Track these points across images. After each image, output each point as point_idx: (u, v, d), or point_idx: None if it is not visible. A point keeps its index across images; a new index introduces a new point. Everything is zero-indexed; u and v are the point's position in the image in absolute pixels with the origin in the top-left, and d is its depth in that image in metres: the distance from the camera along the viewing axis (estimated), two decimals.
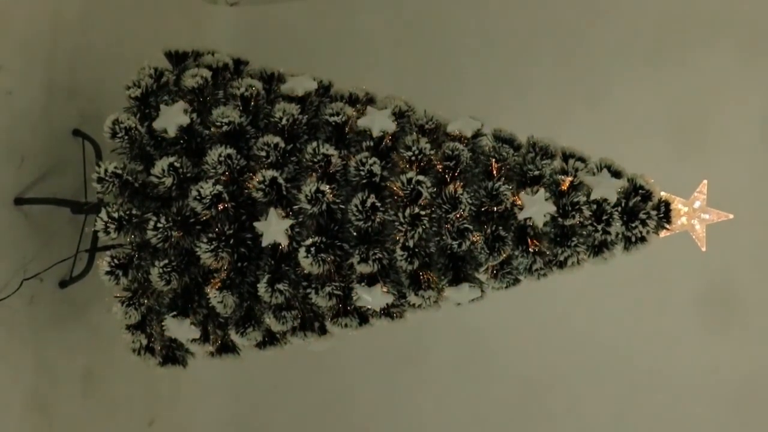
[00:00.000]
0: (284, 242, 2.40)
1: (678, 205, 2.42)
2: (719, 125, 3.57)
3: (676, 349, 3.59)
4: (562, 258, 2.39)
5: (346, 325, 2.50)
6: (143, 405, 3.63)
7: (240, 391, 4.08)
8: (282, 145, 2.44)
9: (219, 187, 2.40)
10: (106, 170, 2.49)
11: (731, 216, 2.41)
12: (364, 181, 2.37)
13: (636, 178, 2.41)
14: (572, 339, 3.70)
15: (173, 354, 2.74)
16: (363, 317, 2.52)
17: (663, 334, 3.61)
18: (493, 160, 2.42)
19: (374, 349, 3.73)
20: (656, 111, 3.65)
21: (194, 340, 2.59)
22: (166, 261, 2.46)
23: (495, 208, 2.37)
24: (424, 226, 2.33)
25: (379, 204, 2.35)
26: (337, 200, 2.39)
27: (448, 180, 2.38)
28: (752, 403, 3.52)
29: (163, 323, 2.57)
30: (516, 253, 2.38)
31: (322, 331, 2.63)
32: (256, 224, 2.40)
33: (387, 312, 2.48)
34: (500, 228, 2.35)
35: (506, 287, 2.48)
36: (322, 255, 2.36)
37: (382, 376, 3.94)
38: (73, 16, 3.22)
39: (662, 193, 2.42)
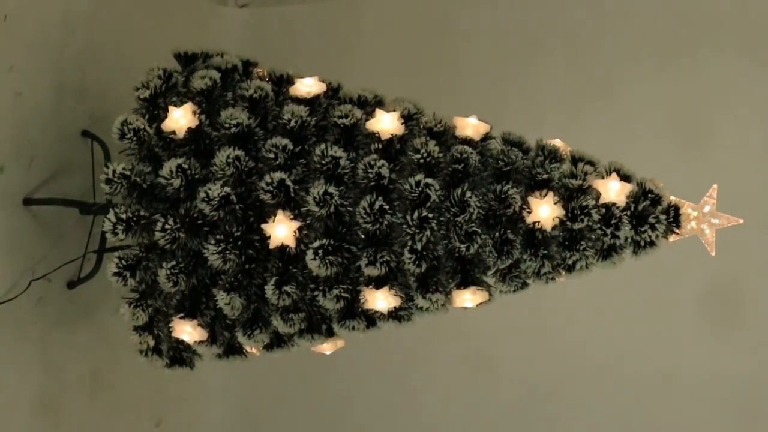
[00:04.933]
0: (292, 244, 2.40)
1: (687, 209, 2.41)
2: (730, 129, 3.55)
3: (683, 354, 3.57)
4: (570, 262, 2.39)
5: (353, 328, 2.50)
6: (150, 406, 3.63)
7: (247, 392, 4.08)
8: (290, 147, 2.43)
9: (227, 189, 2.40)
10: (114, 171, 2.49)
11: (741, 221, 2.40)
12: (373, 183, 2.36)
13: (645, 182, 2.41)
14: (578, 342, 3.69)
15: (180, 355, 2.74)
16: (370, 320, 2.51)
17: (670, 338, 3.59)
18: (502, 163, 2.42)
19: (381, 350, 3.73)
20: (666, 115, 3.63)
21: (201, 341, 2.59)
22: (174, 262, 2.46)
23: (503, 212, 2.36)
24: (432, 229, 2.33)
25: (387, 206, 2.34)
26: (345, 202, 2.39)
27: (457, 183, 2.37)
28: (759, 408, 3.50)
29: (170, 325, 2.57)
30: (524, 256, 2.37)
31: (329, 333, 2.63)
32: (263, 226, 2.40)
33: (394, 315, 2.48)
34: (509, 231, 2.35)
35: (514, 291, 2.48)
36: (330, 257, 2.36)
37: (388, 378, 3.93)
38: (82, 17, 3.23)
39: (672, 198, 2.42)
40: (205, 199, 2.40)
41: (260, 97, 2.55)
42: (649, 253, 2.39)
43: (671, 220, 2.39)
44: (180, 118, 2.50)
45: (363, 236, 2.39)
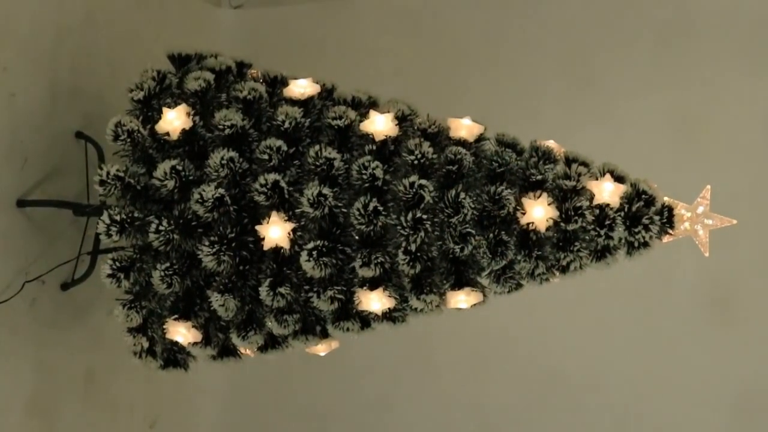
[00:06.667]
0: (286, 246, 2.40)
1: (681, 210, 2.41)
2: (723, 131, 3.56)
3: (678, 354, 3.58)
4: (564, 263, 2.39)
5: (347, 329, 2.50)
6: (144, 408, 3.63)
7: (241, 393, 4.08)
8: (284, 148, 2.43)
9: (221, 190, 2.40)
10: (108, 173, 2.49)
11: (734, 222, 2.41)
12: (367, 184, 2.36)
13: (639, 183, 2.41)
14: (574, 342, 3.70)
15: (174, 357, 2.74)
16: (365, 321, 2.51)
17: (665, 338, 3.60)
18: (496, 164, 2.42)
19: (376, 351, 3.73)
20: (660, 116, 3.64)
21: (195, 343, 2.59)
22: (168, 264, 2.46)
23: (497, 213, 2.36)
24: (426, 230, 2.33)
25: (381, 208, 2.34)
26: (340, 204, 2.39)
27: (451, 184, 2.37)
28: (754, 408, 3.51)
29: (164, 326, 2.57)
30: (518, 257, 2.38)
31: (324, 334, 2.63)
32: (258, 227, 2.40)
33: (389, 316, 2.48)
34: (503, 232, 2.35)
35: (508, 292, 2.48)
36: (324, 259, 2.36)
37: (383, 379, 3.94)
38: (76, 19, 3.22)
39: (665, 198, 2.42)
40: (199, 200, 2.40)
41: (254, 98, 2.54)
42: (642, 254, 2.40)
43: (665, 220, 2.39)
44: (174, 120, 2.50)
45: (357, 237, 2.39)
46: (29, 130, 2.99)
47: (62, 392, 3.17)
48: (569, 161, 2.45)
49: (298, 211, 2.40)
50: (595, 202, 2.36)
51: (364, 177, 2.36)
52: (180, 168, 2.45)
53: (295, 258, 2.41)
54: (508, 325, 3.68)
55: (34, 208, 2.98)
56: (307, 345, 2.64)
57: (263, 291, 2.41)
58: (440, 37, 3.98)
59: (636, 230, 2.36)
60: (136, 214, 2.49)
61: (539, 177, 2.39)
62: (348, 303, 2.46)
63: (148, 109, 2.58)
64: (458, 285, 2.42)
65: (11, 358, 2.94)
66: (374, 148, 2.42)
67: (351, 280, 2.45)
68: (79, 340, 3.24)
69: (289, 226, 2.39)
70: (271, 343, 2.64)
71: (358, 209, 2.33)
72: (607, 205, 2.36)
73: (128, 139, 2.52)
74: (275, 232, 2.39)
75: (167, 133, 2.50)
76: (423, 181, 2.33)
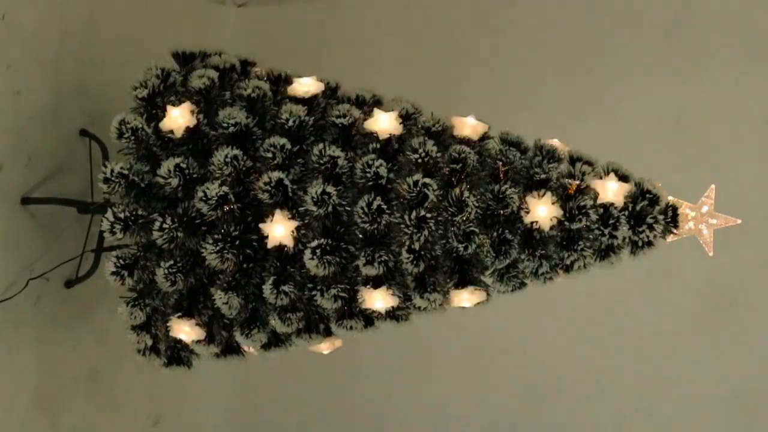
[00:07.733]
0: (290, 244, 2.40)
1: (685, 209, 2.41)
2: (728, 129, 3.56)
3: (682, 354, 3.58)
4: (568, 262, 2.39)
5: (351, 328, 2.50)
6: (148, 405, 3.64)
7: (244, 391, 4.08)
8: (288, 146, 2.43)
9: (225, 188, 2.40)
10: (112, 171, 2.49)
11: (739, 221, 2.40)
12: (371, 183, 2.36)
13: (643, 182, 2.41)
14: (576, 342, 3.69)
15: (178, 355, 2.74)
16: (368, 319, 2.51)
17: (669, 337, 3.59)
18: (500, 163, 2.42)
19: (380, 349, 3.73)
20: (664, 115, 3.64)
21: (199, 341, 2.59)
22: (172, 262, 2.46)
23: (501, 212, 2.36)
24: (430, 229, 2.33)
25: (385, 206, 2.34)
26: (343, 202, 2.39)
27: (455, 183, 2.37)
28: (756, 408, 3.50)
29: (168, 324, 2.57)
30: (522, 256, 2.37)
31: (327, 332, 2.63)
32: (261, 225, 2.40)
33: (392, 314, 2.48)
34: (506, 231, 2.35)
35: (512, 291, 2.47)
36: (328, 257, 2.36)
37: (387, 377, 3.94)
38: (80, 17, 3.23)
39: (670, 198, 2.41)
40: (203, 198, 2.40)
41: (258, 96, 2.54)
42: (646, 254, 2.39)
43: (669, 220, 2.39)
44: (178, 118, 2.50)
45: (361, 236, 2.39)
46: (33, 127, 3.00)
47: (66, 389, 3.18)
48: (573, 160, 2.45)
49: (301, 209, 2.40)
50: (600, 201, 2.36)
51: (368, 175, 2.36)
52: (184, 166, 2.45)
53: (298, 256, 2.41)
54: (510, 325, 3.67)
55: (38, 205, 2.98)
56: (310, 343, 2.64)
57: (267, 289, 2.41)
58: (446, 36, 3.98)
59: (640, 229, 2.36)
60: (140, 212, 2.49)
61: (543, 176, 2.39)
62: (351, 301, 2.46)
63: (153, 107, 2.58)
64: (462, 284, 2.41)
65: (15, 355, 2.95)
66: (378, 146, 2.42)
67: (354, 279, 2.45)
68: (82, 338, 3.24)
69: (293, 224, 2.39)
70: (275, 341, 2.65)
71: (362, 207, 2.33)
72: (612, 204, 2.36)
73: (132, 137, 2.52)
74: (279, 230, 2.39)
75: (171, 131, 2.50)
76: (427, 180, 2.33)
